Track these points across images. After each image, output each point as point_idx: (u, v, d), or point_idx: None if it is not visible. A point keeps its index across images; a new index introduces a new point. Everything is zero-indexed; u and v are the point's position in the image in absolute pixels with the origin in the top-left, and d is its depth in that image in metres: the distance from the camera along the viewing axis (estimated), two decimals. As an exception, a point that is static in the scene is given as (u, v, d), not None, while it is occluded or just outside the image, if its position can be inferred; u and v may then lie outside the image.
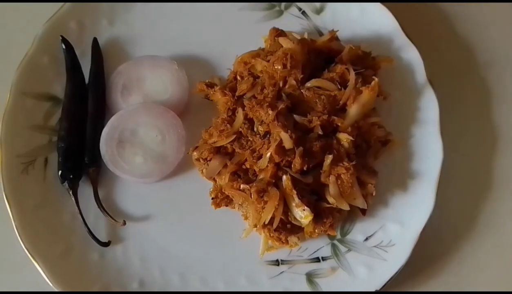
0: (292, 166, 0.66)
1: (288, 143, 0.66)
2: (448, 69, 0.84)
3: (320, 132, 0.66)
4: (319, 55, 0.74)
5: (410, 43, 0.79)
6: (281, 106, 0.67)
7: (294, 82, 0.69)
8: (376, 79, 0.70)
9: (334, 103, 0.69)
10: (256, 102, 0.69)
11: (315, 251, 0.71)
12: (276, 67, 0.70)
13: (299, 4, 0.85)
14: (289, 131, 0.66)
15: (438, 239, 0.74)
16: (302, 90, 0.69)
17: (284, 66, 0.69)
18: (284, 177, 0.66)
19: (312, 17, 0.84)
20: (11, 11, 0.88)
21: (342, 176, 0.66)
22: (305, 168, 0.66)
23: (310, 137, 0.67)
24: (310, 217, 0.65)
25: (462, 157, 0.78)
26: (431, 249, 0.73)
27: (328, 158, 0.66)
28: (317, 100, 0.68)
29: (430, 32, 0.87)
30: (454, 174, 0.76)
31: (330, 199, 0.66)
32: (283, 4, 0.85)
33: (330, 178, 0.66)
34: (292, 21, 0.84)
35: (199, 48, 0.83)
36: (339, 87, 0.70)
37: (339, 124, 0.67)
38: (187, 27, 0.84)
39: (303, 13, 0.85)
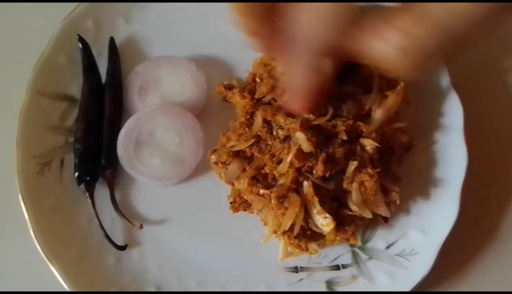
0: (314, 172, 0.64)
1: (305, 145, 0.64)
2: (472, 73, 0.82)
3: (345, 137, 0.65)
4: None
5: (433, 46, 0.77)
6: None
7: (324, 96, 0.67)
8: (402, 83, 0.68)
9: (359, 108, 0.67)
10: (276, 110, 0.68)
11: (335, 259, 0.70)
12: None
13: (320, 4, 0.83)
14: (308, 133, 0.64)
15: (460, 247, 0.72)
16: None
17: None
18: (305, 183, 0.65)
19: (333, 18, 0.82)
20: (27, 10, 0.87)
21: (365, 183, 0.64)
22: (327, 175, 0.64)
23: (333, 143, 0.65)
24: (332, 225, 0.63)
25: (486, 163, 0.76)
26: (453, 257, 0.71)
27: (353, 164, 0.64)
28: (342, 104, 0.67)
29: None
30: (478, 181, 0.74)
31: (353, 207, 0.65)
32: (303, 4, 0.83)
33: (353, 184, 0.65)
34: (312, 21, 0.82)
35: (216, 48, 0.81)
36: (364, 91, 0.68)
37: (364, 129, 0.66)
38: (205, 27, 0.82)
39: (324, 13, 0.83)
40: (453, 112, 0.73)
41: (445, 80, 0.75)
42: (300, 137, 0.64)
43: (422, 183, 0.72)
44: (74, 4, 0.79)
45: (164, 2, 0.82)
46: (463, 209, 0.69)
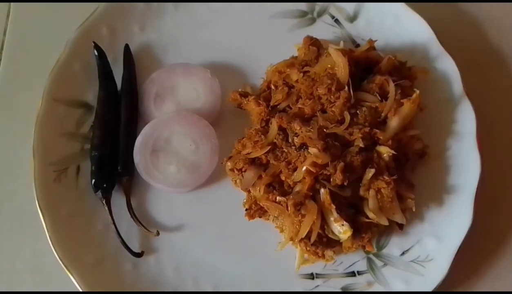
0: (332, 180, 0.65)
1: (320, 159, 0.64)
2: (484, 80, 0.82)
3: (362, 145, 0.65)
4: (357, 65, 0.72)
5: (446, 53, 0.78)
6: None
7: (341, 104, 0.67)
8: (417, 91, 0.69)
9: (376, 115, 0.68)
10: (292, 118, 0.69)
11: (350, 265, 0.70)
12: (320, 91, 0.69)
13: (332, 12, 0.84)
14: (325, 143, 0.65)
15: (474, 253, 0.72)
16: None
17: (329, 90, 0.68)
18: (323, 190, 0.65)
19: (345, 25, 0.83)
20: (42, 17, 0.87)
21: (382, 190, 0.65)
22: (345, 183, 0.64)
23: (351, 151, 0.66)
24: (349, 233, 0.63)
25: (499, 170, 0.77)
26: (467, 263, 0.71)
27: (370, 172, 0.64)
28: (358, 112, 0.67)
29: (464, 42, 0.85)
30: (491, 187, 0.74)
31: (370, 214, 0.65)
32: (315, 11, 0.84)
33: (370, 192, 0.65)
34: (324, 29, 0.83)
35: (230, 55, 0.82)
36: (380, 98, 0.68)
37: (381, 137, 0.66)
38: (218, 35, 0.83)
39: (336, 21, 0.83)
40: (466, 119, 0.74)
41: (457, 87, 0.76)
42: (313, 152, 0.65)
43: (436, 190, 0.72)
44: (90, 11, 0.79)
45: (177, 10, 0.83)
46: (476, 215, 0.69)
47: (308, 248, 0.66)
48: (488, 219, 0.74)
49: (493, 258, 0.73)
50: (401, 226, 0.69)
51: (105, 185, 0.71)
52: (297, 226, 0.65)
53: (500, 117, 0.81)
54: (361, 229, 0.66)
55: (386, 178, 0.65)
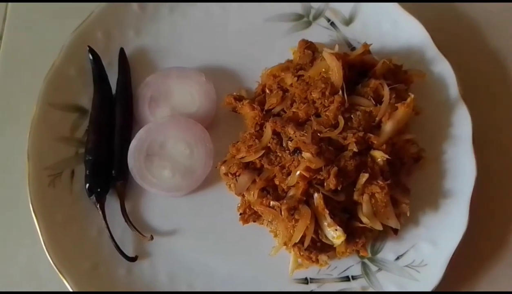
0: (325, 185, 0.64)
1: (314, 164, 0.64)
2: (480, 83, 0.82)
3: (356, 149, 0.65)
4: (352, 69, 0.72)
5: (441, 56, 0.77)
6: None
7: (335, 109, 0.67)
8: (412, 95, 0.68)
9: (370, 119, 0.67)
10: (286, 122, 0.68)
11: (345, 270, 0.70)
12: (314, 95, 0.68)
13: (328, 15, 0.83)
14: (318, 148, 0.65)
15: (469, 258, 0.72)
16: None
17: (323, 94, 0.68)
18: (316, 195, 0.65)
19: (341, 28, 0.83)
20: (38, 21, 0.87)
21: (376, 195, 0.64)
22: (339, 188, 0.64)
23: (345, 156, 0.65)
24: (342, 238, 0.63)
25: (495, 174, 0.76)
26: (463, 268, 0.71)
27: (364, 177, 0.64)
28: (352, 116, 0.67)
29: (460, 44, 0.85)
30: (487, 191, 0.74)
31: (364, 219, 0.65)
32: (311, 15, 0.84)
33: (363, 196, 0.65)
34: (320, 32, 0.82)
35: (225, 59, 0.82)
36: (374, 102, 0.68)
37: (375, 141, 0.66)
38: (213, 38, 0.83)
39: (332, 24, 0.83)
40: (462, 122, 0.74)
41: (453, 90, 0.75)
42: (307, 156, 0.64)
43: (431, 194, 0.72)
44: (85, 15, 0.79)
45: (173, 13, 0.83)
46: (472, 220, 0.69)
47: (301, 253, 0.66)
48: (484, 224, 0.73)
49: (488, 263, 0.73)
50: (395, 231, 0.68)
51: (99, 190, 0.71)
52: (290, 231, 0.65)
53: (496, 120, 0.80)
54: (355, 234, 0.66)
55: (380, 182, 0.65)
